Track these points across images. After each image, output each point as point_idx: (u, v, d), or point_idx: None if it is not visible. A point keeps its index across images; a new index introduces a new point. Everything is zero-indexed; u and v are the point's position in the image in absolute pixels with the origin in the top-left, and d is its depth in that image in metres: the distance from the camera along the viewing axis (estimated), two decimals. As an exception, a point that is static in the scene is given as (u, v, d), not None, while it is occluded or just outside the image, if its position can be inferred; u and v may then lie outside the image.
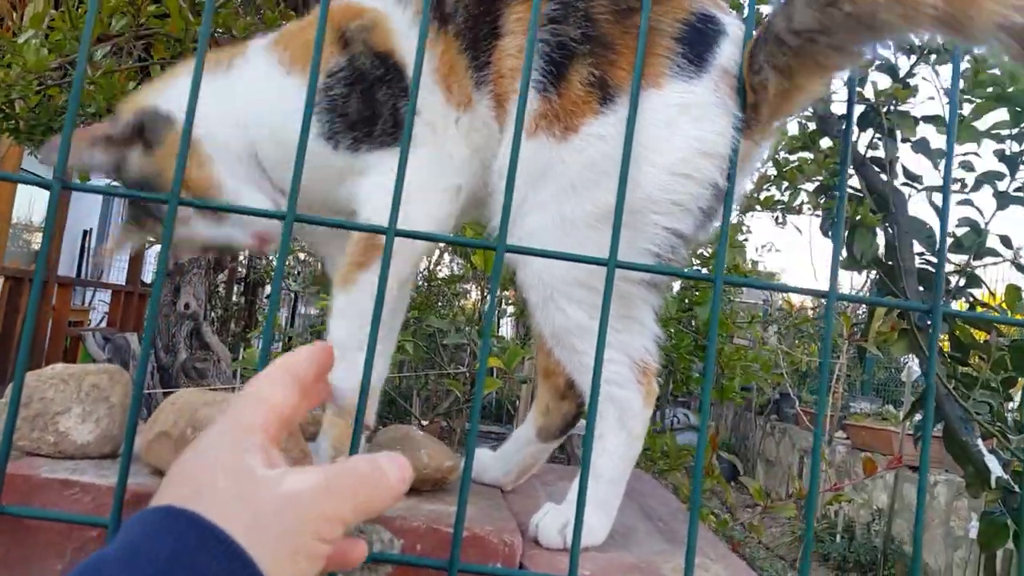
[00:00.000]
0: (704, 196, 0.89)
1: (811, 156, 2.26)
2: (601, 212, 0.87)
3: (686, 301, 2.59)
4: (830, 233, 2.81)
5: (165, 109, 1.01)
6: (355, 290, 0.93)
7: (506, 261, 0.96)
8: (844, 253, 2.83)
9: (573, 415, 1.08)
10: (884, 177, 2.71)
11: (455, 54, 0.97)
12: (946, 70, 2.07)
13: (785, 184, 2.40)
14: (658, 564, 0.87)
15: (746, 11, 0.86)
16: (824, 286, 0.80)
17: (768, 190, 2.45)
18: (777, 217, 2.65)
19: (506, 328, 4.81)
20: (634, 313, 0.95)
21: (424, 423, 3.12)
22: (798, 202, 2.46)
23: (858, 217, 2.58)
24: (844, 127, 0.84)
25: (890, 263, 2.84)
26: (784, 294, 7.63)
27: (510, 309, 2.91)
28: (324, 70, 0.96)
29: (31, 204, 10.39)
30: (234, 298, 6.69)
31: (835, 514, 6.01)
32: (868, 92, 2.24)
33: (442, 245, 2.69)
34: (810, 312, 8.60)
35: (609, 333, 0.92)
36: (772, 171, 2.33)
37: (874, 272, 2.93)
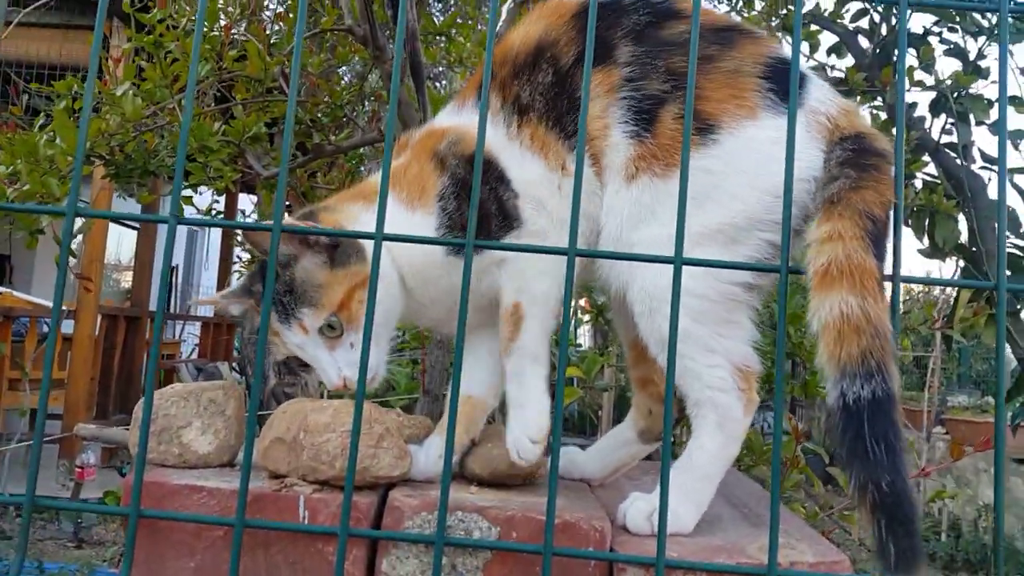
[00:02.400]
0: (797, 217, 0.96)
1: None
2: (705, 232, 0.96)
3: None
4: (909, 222, 2.76)
5: (361, 244, 1.04)
6: (514, 355, 1.02)
7: (617, 284, 1.02)
8: (926, 242, 2.77)
9: (675, 418, 1.13)
10: (960, 162, 2.65)
11: (543, 133, 1.07)
12: (1019, 49, 2.04)
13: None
14: (743, 545, 0.91)
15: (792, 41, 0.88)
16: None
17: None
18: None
19: (584, 338, 4.84)
20: (735, 316, 1.00)
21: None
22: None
23: (934, 204, 2.53)
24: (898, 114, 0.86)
25: (973, 249, 2.77)
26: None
27: (586, 318, 2.94)
28: (434, 195, 1.06)
29: (119, 245, 10.90)
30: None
31: (939, 512, 5.79)
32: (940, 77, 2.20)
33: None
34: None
35: (712, 339, 0.98)
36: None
37: (961, 261, 2.86)
